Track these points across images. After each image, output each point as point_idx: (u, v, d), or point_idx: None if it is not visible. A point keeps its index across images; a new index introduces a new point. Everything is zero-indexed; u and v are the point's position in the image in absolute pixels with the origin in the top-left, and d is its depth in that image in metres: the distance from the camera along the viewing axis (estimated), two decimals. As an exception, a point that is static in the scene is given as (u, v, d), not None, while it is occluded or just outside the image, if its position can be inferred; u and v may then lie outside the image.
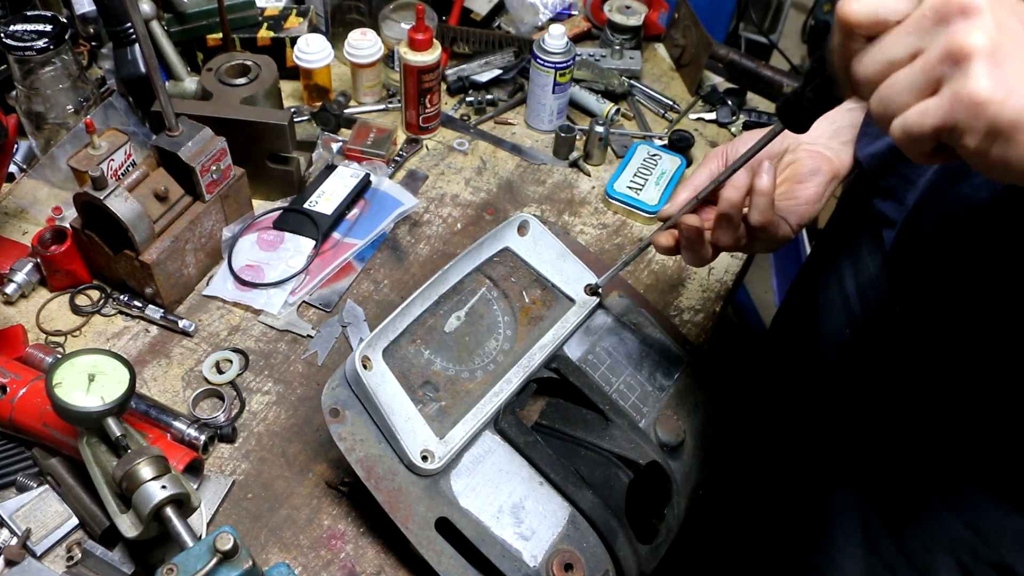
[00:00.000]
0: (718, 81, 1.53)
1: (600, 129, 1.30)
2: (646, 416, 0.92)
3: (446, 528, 0.79)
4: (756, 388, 1.16)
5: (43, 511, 0.85)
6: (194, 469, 0.88)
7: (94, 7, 1.27)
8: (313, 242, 1.14)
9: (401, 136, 1.36)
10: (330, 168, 1.23)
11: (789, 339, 1.11)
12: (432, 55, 1.26)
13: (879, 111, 0.51)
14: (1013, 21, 0.46)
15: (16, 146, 1.19)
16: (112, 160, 1.05)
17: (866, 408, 0.90)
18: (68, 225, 1.05)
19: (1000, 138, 0.46)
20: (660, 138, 1.40)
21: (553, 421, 0.89)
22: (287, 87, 1.37)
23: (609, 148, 1.37)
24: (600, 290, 0.98)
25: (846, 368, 0.93)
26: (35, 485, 0.87)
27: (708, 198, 0.79)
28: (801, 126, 0.63)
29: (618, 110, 1.42)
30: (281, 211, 1.17)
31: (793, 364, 1.06)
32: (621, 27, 1.49)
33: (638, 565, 0.82)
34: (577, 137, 1.34)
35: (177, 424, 0.91)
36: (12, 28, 1.09)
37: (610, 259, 1.19)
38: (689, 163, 1.34)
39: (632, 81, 1.48)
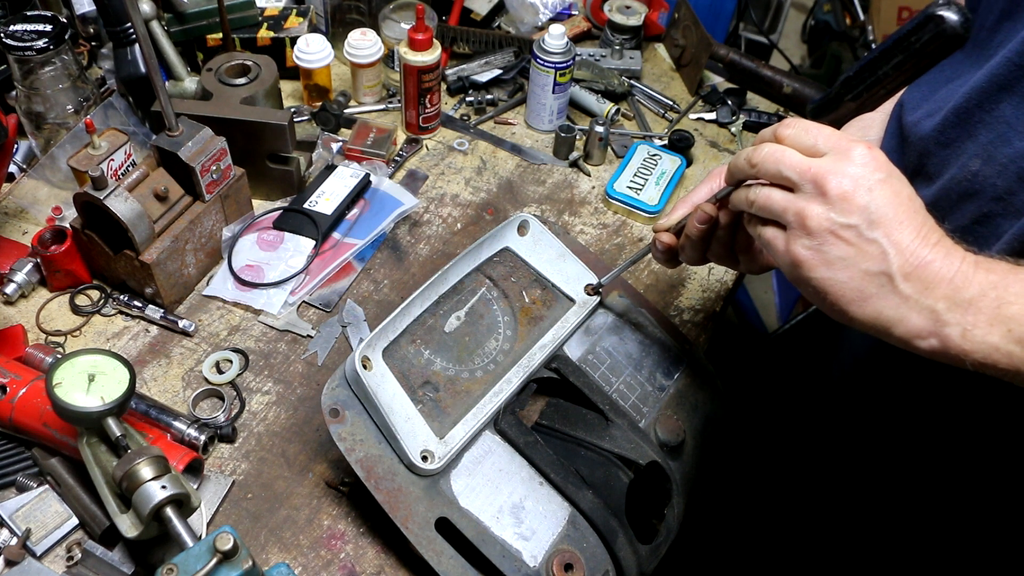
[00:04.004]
0: (718, 81, 1.53)
1: (600, 129, 1.30)
2: (646, 416, 0.92)
3: (446, 528, 0.79)
4: (761, 388, 1.16)
5: (43, 511, 0.85)
6: (194, 469, 0.88)
7: (94, 7, 1.27)
8: (313, 242, 1.14)
9: (401, 136, 1.36)
10: (330, 168, 1.23)
11: (806, 343, 1.11)
12: (432, 55, 1.26)
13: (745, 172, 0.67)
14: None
15: (16, 146, 1.19)
16: (112, 160, 1.05)
17: (877, 416, 0.90)
18: (68, 225, 1.05)
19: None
20: (660, 138, 1.40)
21: (553, 421, 0.89)
22: (287, 87, 1.37)
23: (609, 148, 1.37)
24: (601, 290, 0.98)
25: (861, 377, 0.93)
26: (35, 485, 0.87)
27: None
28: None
29: (618, 110, 1.42)
30: (281, 211, 1.17)
31: (806, 368, 1.06)
32: (621, 27, 1.49)
33: (638, 565, 0.82)
34: (577, 137, 1.34)
35: (177, 424, 0.91)
36: (12, 28, 1.09)
37: (610, 259, 1.19)
38: (689, 163, 1.34)
39: (632, 81, 1.48)
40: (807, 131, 0.63)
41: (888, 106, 0.86)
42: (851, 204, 0.59)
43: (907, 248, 0.59)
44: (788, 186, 0.62)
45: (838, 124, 0.66)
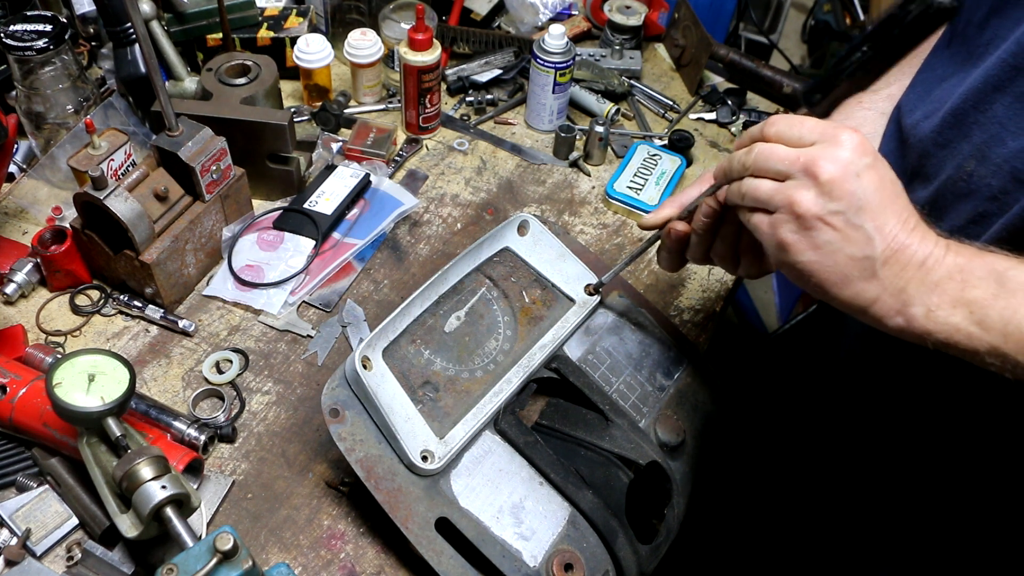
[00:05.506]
0: (718, 81, 1.53)
1: (600, 129, 1.30)
2: (646, 416, 0.92)
3: (446, 528, 0.79)
4: (761, 388, 1.16)
5: (43, 511, 0.85)
6: (194, 469, 0.88)
7: (94, 7, 1.27)
8: (313, 242, 1.14)
9: (401, 136, 1.36)
10: (330, 168, 1.23)
11: (806, 343, 1.11)
12: (432, 55, 1.26)
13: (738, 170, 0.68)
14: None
15: (16, 146, 1.19)
16: (112, 160, 1.05)
17: (877, 417, 0.90)
18: (68, 225, 1.05)
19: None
20: (660, 138, 1.40)
21: (553, 421, 0.89)
22: (287, 87, 1.37)
23: (609, 148, 1.37)
24: (601, 290, 0.97)
25: (862, 377, 0.93)
26: (35, 485, 0.87)
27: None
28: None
29: (618, 110, 1.42)
30: (281, 211, 1.17)
31: (806, 369, 1.06)
32: (621, 27, 1.49)
33: (638, 565, 0.82)
34: (577, 137, 1.34)
35: (177, 424, 0.91)
36: (12, 28, 1.09)
37: (610, 259, 1.19)
38: (689, 163, 1.34)
39: (632, 81, 1.48)
40: (791, 125, 0.65)
41: (882, 106, 0.86)
42: (840, 190, 0.60)
43: (889, 234, 0.60)
44: (778, 178, 0.64)
45: (831, 108, 0.67)
